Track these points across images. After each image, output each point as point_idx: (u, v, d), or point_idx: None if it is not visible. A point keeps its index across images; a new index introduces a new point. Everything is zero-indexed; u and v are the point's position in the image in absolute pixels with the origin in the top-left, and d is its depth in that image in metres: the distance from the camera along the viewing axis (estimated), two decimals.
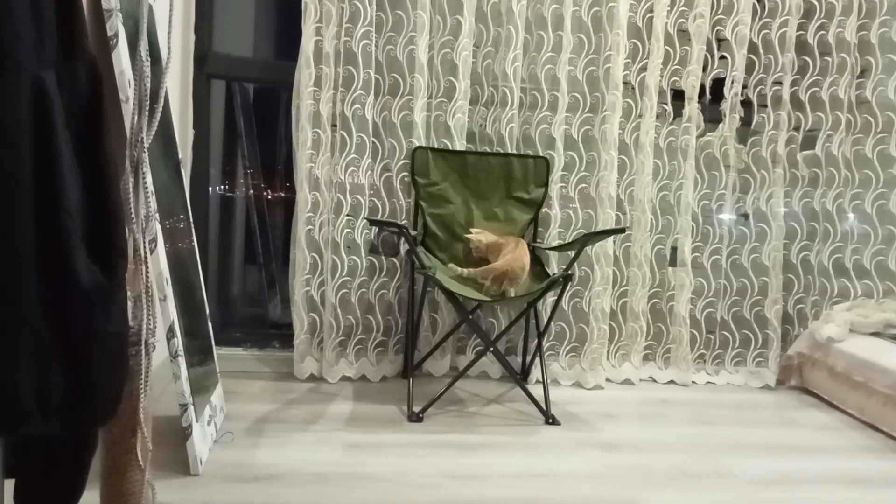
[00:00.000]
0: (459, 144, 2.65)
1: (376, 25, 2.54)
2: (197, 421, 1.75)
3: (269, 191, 3.46)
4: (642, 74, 2.73)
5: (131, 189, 1.31)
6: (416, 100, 2.58)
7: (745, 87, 2.79)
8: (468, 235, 2.54)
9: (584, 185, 2.76)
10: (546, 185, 2.68)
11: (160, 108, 1.40)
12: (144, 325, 1.33)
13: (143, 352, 1.32)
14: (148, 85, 1.35)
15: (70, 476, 1.15)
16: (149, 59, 1.38)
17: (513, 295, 2.37)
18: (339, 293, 2.59)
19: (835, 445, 2.25)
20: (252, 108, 3.31)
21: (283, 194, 3.45)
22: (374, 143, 2.60)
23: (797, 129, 2.85)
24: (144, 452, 1.37)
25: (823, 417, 2.53)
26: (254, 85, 3.34)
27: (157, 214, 1.54)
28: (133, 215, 1.31)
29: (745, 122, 2.83)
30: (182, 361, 1.68)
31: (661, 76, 2.74)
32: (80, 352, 1.00)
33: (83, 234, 1.00)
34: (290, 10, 2.57)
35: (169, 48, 1.48)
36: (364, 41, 2.50)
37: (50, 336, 0.96)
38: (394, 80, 2.61)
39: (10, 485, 1.13)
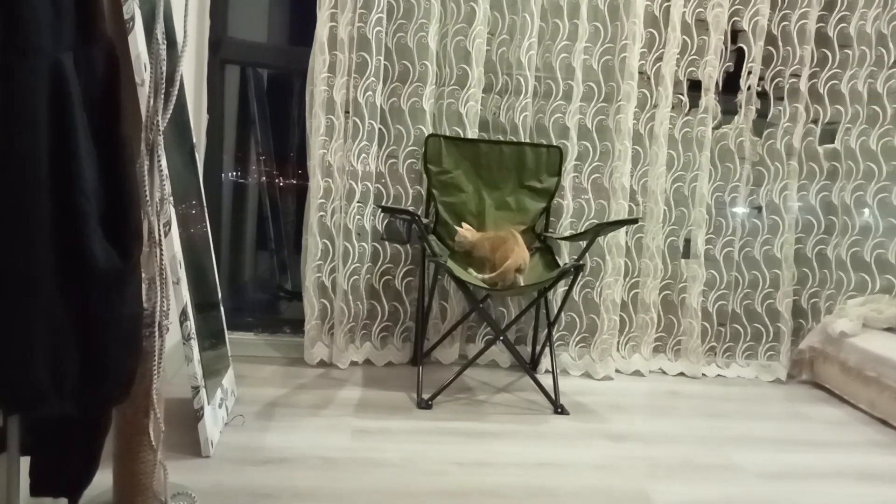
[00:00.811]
0: (472, 133, 2.64)
1: (387, 12, 2.53)
2: (208, 404, 1.77)
3: (281, 177, 3.47)
4: (658, 64, 2.70)
5: (146, 172, 1.31)
6: (426, 87, 2.58)
7: (761, 78, 2.76)
8: (458, 228, 2.53)
9: (597, 175, 2.74)
10: (559, 174, 2.67)
11: (175, 92, 1.40)
12: (158, 308, 1.34)
13: (157, 334, 1.33)
14: (164, 69, 1.36)
15: (84, 455, 1.17)
16: (165, 42, 1.38)
17: (521, 283, 2.37)
18: (351, 280, 2.60)
19: (845, 440, 2.24)
20: (265, 94, 3.32)
21: (294, 181, 3.46)
22: (381, 129, 2.60)
23: (815, 121, 2.82)
24: (157, 433, 1.38)
25: (834, 412, 2.52)
26: (268, 71, 3.34)
27: (171, 198, 1.55)
28: (148, 198, 1.32)
29: (761, 114, 2.81)
30: (194, 344, 1.70)
31: (678, 66, 2.71)
32: (95, 333, 1.00)
33: (99, 216, 1.00)
34: None
35: (185, 32, 1.48)
36: (377, 28, 2.50)
37: (66, 317, 0.97)
38: (404, 66, 2.60)
39: (25, 463, 1.14)
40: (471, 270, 2.41)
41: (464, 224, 2.56)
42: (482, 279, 2.36)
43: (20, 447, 1.10)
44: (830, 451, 2.14)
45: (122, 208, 1.07)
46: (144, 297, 1.27)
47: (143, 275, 1.27)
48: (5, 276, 0.91)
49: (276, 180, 3.45)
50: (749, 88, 2.74)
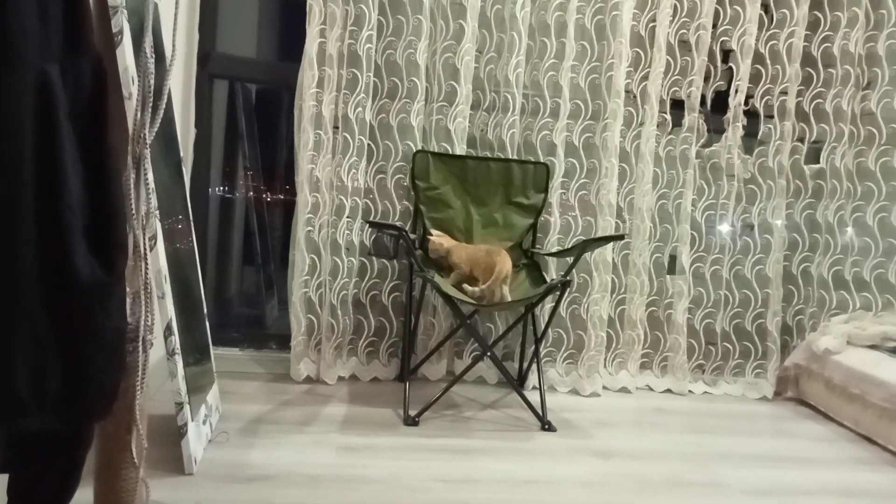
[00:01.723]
0: (460, 149, 2.65)
1: (377, 29, 2.55)
2: (192, 420, 1.75)
3: (268, 192, 3.46)
4: (644, 83, 2.74)
5: (132, 185, 1.31)
6: (415, 103, 2.59)
7: (751, 97, 2.80)
8: (430, 237, 2.52)
9: (584, 191, 2.76)
10: (546, 190, 2.68)
11: (163, 106, 1.40)
12: (142, 322, 1.33)
13: (141, 348, 1.32)
14: (151, 82, 1.35)
15: (64, 472, 1.15)
16: (153, 56, 1.38)
17: (507, 295, 2.36)
18: (339, 295, 2.59)
19: (830, 457, 2.25)
20: (254, 109, 3.32)
21: (282, 196, 3.45)
22: (370, 145, 2.61)
23: (801, 140, 2.86)
24: (139, 450, 1.36)
25: (819, 429, 2.53)
26: (256, 86, 3.34)
27: (157, 212, 1.54)
28: (133, 211, 1.31)
29: (752, 132, 2.83)
30: (179, 360, 1.68)
31: (663, 85, 2.74)
32: (78, 346, 0.99)
33: (83, 228, 1.00)
34: (294, 11, 2.58)
35: (173, 46, 1.48)
36: (367, 45, 2.51)
37: (48, 329, 0.95)
38: (393, 83, 2.62)
39: (3, 480, 1.12)
40: (465, 286, 2.41)
41: (434, 231, 2.55)
42: (471, 292, 2.35)
43: None
44: (815, 467, 2.15)
45: (108, 221, 1.06)
46: (129, 312, 1.26)
47: (128, 289, 1.26)
48: None
49: (264, 195, 3.44)
50: (737, 106, 2.78)
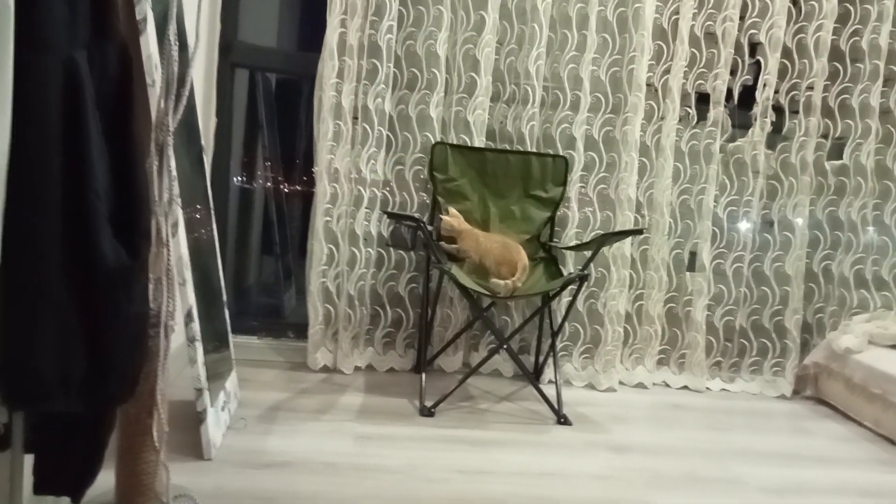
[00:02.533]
0: (479, 141, 2.64)
1: (398, 19, 2.54)
2: (211, 406, 1.77)
3: (287, 182, 3.48)
4: (666, 77, 2.71)
5: (155, 172, 1.32)
6: (434, 94, 2.59)
7: (776, 91, 2.75)
8: (442, 216, 2.48)
9: (603, 186, 2.74)
10: (564, 184, 2.67)
11: (186, 94, 1.40)
12: (164, 308, 1.34)
13: (162, 334, 1.33)
14: (175, 70, 1.36)
15: (88, 454, 1.16)
16: (177, 44, 1.39)
17: (521, 288, 2.35)
18: (357, 285, 2.60)
19: (849, 457, 2.23)
20: (274, 98, 3.33)
21: (300, 187, 3.47)
22: (389, 136, 2.60)
23: (825, 136, 2.82)
24: (160, 433, 1.38)
25: (838, 428, 2.50)
26: (276, 76, 3.35)
27: (178, 199, 1.55)
28: (156, 198, 1.32)
29: (776, 128, 2.79)
30: (199, 346, 1.70)
31: (686, 79, 2.71)
32: (102, 330, 1.00)
33: (109, 214, 1.00)
34: (315, 1, 2.58)
35: (196, 35, 1.48)
36: (388, 35, 2.51)
37: (73, 314, 0.96)
38: (413, 74, 2.61)
39: (28, 461, 1.14)
40: (493, 280, 2.39)
41: (451, 209, 2.53)
42: (495, 284, 2.33)
43: (24, 445, 1.09)
44: (834, 467, 2.13)
45: (132, 207, 1.07)
46: (151, 297, 1.27)
47: (150, 275, 1.27)
48: (14, 272, 0.91)
49: (283, 185, 3.46)
50: (766, 101, 2.73)
